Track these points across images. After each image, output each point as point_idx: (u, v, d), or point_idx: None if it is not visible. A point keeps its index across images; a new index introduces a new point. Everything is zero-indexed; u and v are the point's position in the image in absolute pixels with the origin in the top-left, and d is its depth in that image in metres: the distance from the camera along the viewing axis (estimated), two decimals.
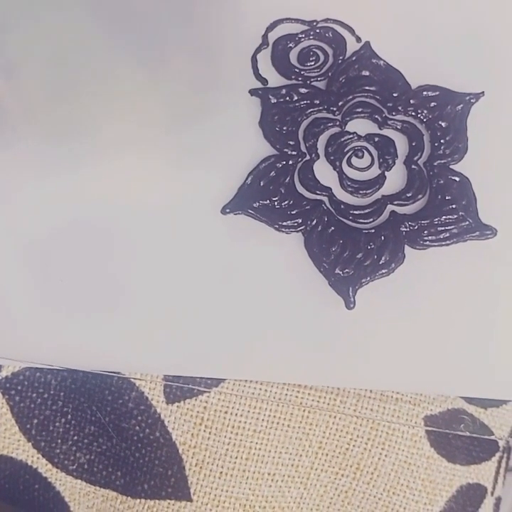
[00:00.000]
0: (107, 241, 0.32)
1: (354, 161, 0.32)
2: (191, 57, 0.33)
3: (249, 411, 0.31)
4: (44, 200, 0.32)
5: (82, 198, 0.32)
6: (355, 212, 0.31)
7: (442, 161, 0.32)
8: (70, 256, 0.31)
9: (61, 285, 0.31)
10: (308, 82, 0.33)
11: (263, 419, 0.31)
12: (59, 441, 0.32)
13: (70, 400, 0.32)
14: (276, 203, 0.31)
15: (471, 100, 0.32)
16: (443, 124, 0.32)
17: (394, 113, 0.32)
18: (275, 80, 0.33)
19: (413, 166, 0.32)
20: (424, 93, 0.32)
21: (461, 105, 0.32)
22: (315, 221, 0.31)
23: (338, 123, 0.32)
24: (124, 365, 0.31)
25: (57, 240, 0.32)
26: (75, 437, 0.32)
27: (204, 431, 0.31)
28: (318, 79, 0.33)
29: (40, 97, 0.33)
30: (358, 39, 0.34)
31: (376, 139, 0.32)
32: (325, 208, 0.31)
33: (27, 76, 0.33)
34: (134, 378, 0.31)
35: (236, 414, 0.31)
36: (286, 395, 0.31)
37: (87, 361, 0.31)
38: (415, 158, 0.32)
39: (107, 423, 0.32)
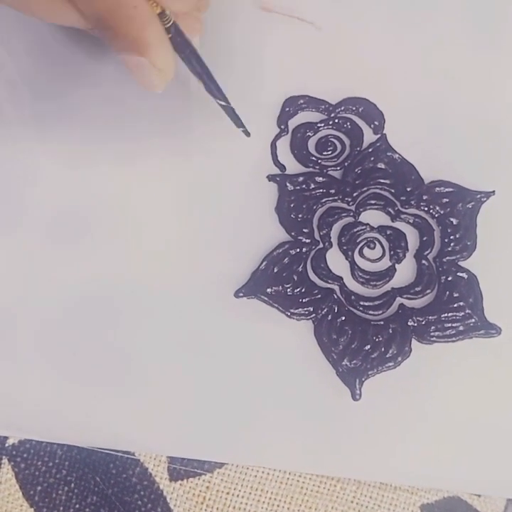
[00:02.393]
0: (119, 321, 0.31)
1: (366, 251, 0.32)
2: (211, 139, 0.33)
3: (250, 493, 0.31)
4: (56, 279, 0.32)
5: (97, 277, 0.32)
6: (365, 303, 0.31)
7: (451, 258, 0.32)
8: (80, 336, 0.31)
9: (70, 364, 0.31)
10: (324, 171, 0.33)
11: (264, 502, 0.31)
12: (61, 508, 0.32)
13: (74, 469, 0.31)
14: (288, 290, 0.31)
15: (482, 199, 0.32)
16: (454, 221, 0.32)
17: (406, 207, 0.32)
18: (293, 166, 0.33)
19: (423, 261, 0.32)
20: (437, 189, 0.32)
21: (472, 203, 0.32)
22: (325, 310, 0.31)
23: (351, 213, 0.32)
24: (129, 444, 0.30)
25: (65, 321, 0.31)
26: (77, 506, 0.32)
27: (205, 510, 0.31)
28: (335, 168, 0.33)
29: None
30: (375, 131, 0.33)
31: (388, 232, 0.32)
32: (336, 297, 0.31)
33: None
34: (139, 455, 0.31)
35: (237, 496, 0.31)
36: (288, 479, 0.31)
37: (92, 438, 0.30)
38: (425, 253, 0.32)
39: (109, 495, 0.31)
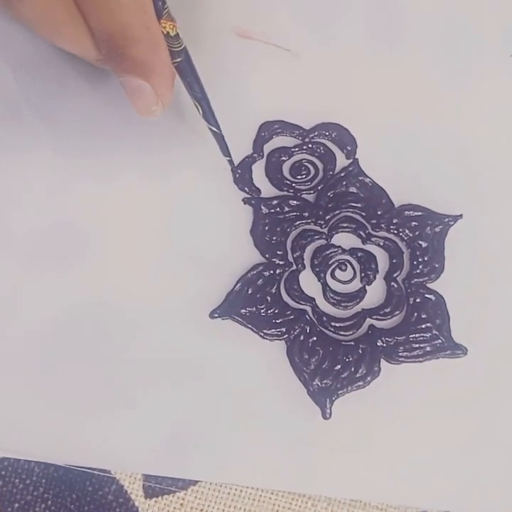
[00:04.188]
0: (95, 342, 0.31)
1: (338, 273, 0.32)
2: (188, 162, 0.34)
3: (224, 510, 0.31)
4: (32, 299, 0.32)
5: (72, 298, 0.32)
6: (336, 324, 0.31)
7: (420, 280, 0.32)
8: (58, 355, 0.31)
9: (48, 383, 0.31)
10: (298, 194, 0.33)
11: None
12: None
13: (51, 487, 0.31)
14: (262, 311, 0.31)
15: (450, 222, 0.33)
16: (422, 244, 0.32)
17: (377, 230, 0.33)
18: (268, 190, 0.33)
19: (392, 283, 0.32)
20: (406, 212, 0.33)
21: (440, 226, 0.33)
22: (298, 331, 0.31)
23: (324, 236, 0.33)
24: (105, 462, 0.30)
25: (43, 340, 0.31)
26: None
27: None
28: (308, 192, 0.33)
29: None
30: (348, 156, 0.34)
31: (359, 254, 0.32)
32: (308, 318, 0.31)
33: None
34: (115, 472, 0.31)
35: None
36: (260, 496, 0.31)
37: (69, 457, 0.30)
38: (395, 275, 0.32)
39: None
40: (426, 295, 0.32)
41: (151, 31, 0.25)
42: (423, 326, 0.31)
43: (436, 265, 0.32)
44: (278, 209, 0.33)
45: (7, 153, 0.34)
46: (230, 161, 0.33)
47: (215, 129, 0.31)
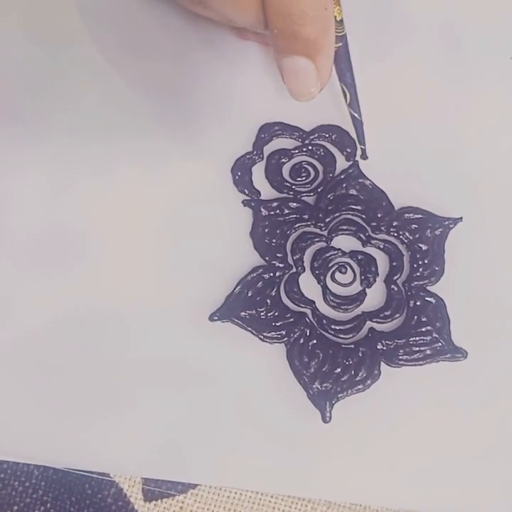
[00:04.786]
0: (93, 344, 0.31)
1: (338, 276, 0.32)
2: (187, 164, 0.33)
3: None
4: (29, 302, 0.32)
5: (71, 301, 0.32)
6: (336, 327, 0.31)
7: (420, 282, 0.32)
8: (56, 358, 0.31)
9: (47, 386, 0.30)
10: (298, 196, 0.33)
11: None
12: None
13: (50, 490, 0.31)
14: (262, 314, 0.31)
15: (450, 225, 0.33)
16: (423, 247, 0.32)
17: (377, 232, 0.32)
18: (267, 192, 0.33)
19: (392, 286, 0.32)
20: (406, 215, 0.33)
21: (441, 229, 0.32)
22: (297, 333, 0.31)
23: (324, 238, 0.32)
24: (104, 466, 0.30)
25: (44, 339, 0.31)
26: None
27: None
28: (308, 194, 0.33)
29: None
30: (348, 158, 0.34)
31: (359, 257, 0.32)
32: (308, 320, 0.31)
33: None
34: (114, 476, 0.31)
35: None
36: (260, 499, 0.31)
37: (68, 460, 0.30)
38: (395, 278, 0.32)
39: None
40: (426, 298, 0.31)
41: (328, 12, 0.25)
42: (423, 329, 0.31)
43: (437, 268, 0.32)
44: (278, 211, 0.33)
45: (4, 154, 0.33)
46: (364, 150, 0.33)
47: (357, 116, 0.32)
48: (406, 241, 0.32)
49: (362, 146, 0.33)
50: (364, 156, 0.33)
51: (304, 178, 0.33)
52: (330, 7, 0.26)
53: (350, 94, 0.31)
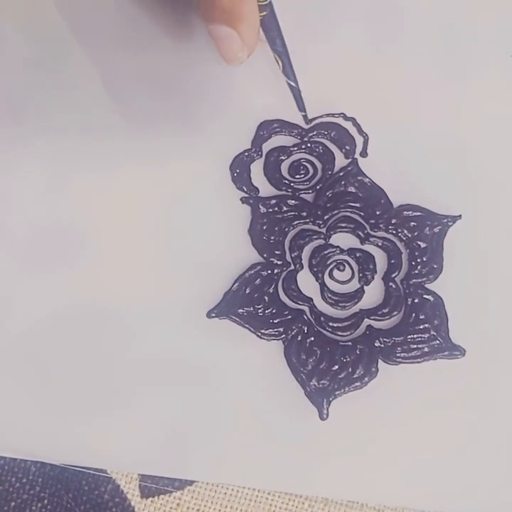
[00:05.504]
0: (91, 341, 0.31)
1: (336, 273, 0.32)
2: (186, 160, 0.33)
3: (220, 510, 0.30)
4: (27, 298, 0.32)
5: (69, 298, 0.32)
6: (333, 324, 0.31)
7: (418, 280, 0.32)
8: (53, 355, 0.31)
9: (44, 382, 0.30)
10: (297, 194, 0.33)
11: None
12: None
13: (47, 486, 0.31)
14: (259, 311, 0.31)
15: (449, 223, 0.32)
16: (421, 245, 0.32)
17: (376, 230, 0.32)
18: (266, 189, 0.33)
19: (390, 283, 0.32)
20: (405, 213, 0.33)
21: (439, 227, 0.32)
22: (295, 331, 0.31)
23: (322, 236, 0.32)
24: (101, 462, 0.30)
25: (42, 336, 0.31)
26: None
27: None
28: (307, 192, 0.33)
29: None
30: (347, 155, 0.34)
31: (357, 254, 0.32)
32: (305, 318, 0.31)
33: None
34: (111, 472, 0.31)
35: None
36: (257, 496, 0.31)
37: (65, 456, 0.30)
38: (393, 276, 0.32)
39: (82, 511, 0.31)
40: (424, 296, 0.31)
41: None
42: (421, 327, 0.31)
43: (435, 266, 0.32)
44: (276, 208, 0.33)
45: (2, 152, 0.33)
46: (305, 116, 0.33)
47: (292, 84, 0.32)
48: (404, 239, 0.32)
49: (302, 113, 0.33)
50: (306, 121, 0.33)
51: (302, 176, 0.33)
52: None
53: (283, 62, 0.31)
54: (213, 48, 0.34)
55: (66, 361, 0.31)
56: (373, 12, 0.36)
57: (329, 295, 0.31)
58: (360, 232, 0.32)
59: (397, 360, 0.30)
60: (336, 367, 0.30)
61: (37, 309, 0.31)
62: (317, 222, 0.32)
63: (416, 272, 0.32)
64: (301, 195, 0.33)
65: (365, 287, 0.32)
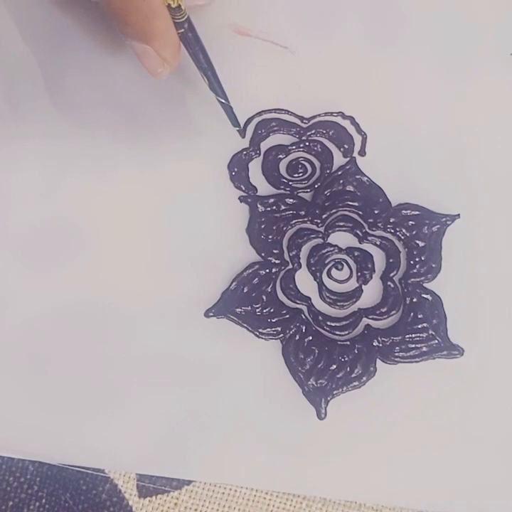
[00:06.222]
0: (89, 340, 0.31)
1: (334, 272, 0.32)
2: (183, 160, 0.33)
3: (218, 510, 0.30)
4: (26, 297, 0.31)
5: (67, 297, 0.31)
6: (332, 323, 0.31)
7: (417, 279, 0.31)
8: (51, 354, 0.31)
9: (42, 382, 0.30)
10: (295, 192, 0.33)
11: None
12: None
13: (45, 485, 0.31)
14: (257, 310, 0.31)
15: (447, 222, 0.32)
16: (420, 243, 0.32)
17: (374, 229, 0.32)
18: (264, 188, 0.33)
19: (389, 282, 0.32)
20: (403, 212, 0.32)
21: (438, 226, 0.32)
22: (293, 330, 0.31)
23: (320, 235, 0.32)
24: (99, 461, 0.30)
25: (40, 334, 0.31)
26: None
27: None
28: (305, 190, 0.33)
29: None
30: (345, 154, 0.33)
31: (356, 253, 0.32)
32: (304, 317, 0.31)
33: None
34: (109, 472, 0.30)
35: None
36: (255, 496, 0.30)
37: (63, 455, 0.30)
38: (391, 275, 0.32)
39: (80, 511, 0.31)
40: (423, 295, 0.31)
41: (147, 2, 0.27)
42: (419, 326, 0.31)
43: (434, 265, 0.32)
44: (274, 207, 0.32)
45: (1, 150, 0.33)
46: (240, 131, 0.33)
47: (222, 100, 0.31)
48: (403, 238, 0.32)
49: (237, 128, 0.33)
50: (242, 134, 0.33)
51: (300, 175, 0.33)
52: None
53: (208, 79, 0.31)
54: (211, 47, 0.34)
55: (64, 360, 0.31)
56: (373, 11, 0.36)
57: (327, 294, 0.31)
58: (358, 231, 0.32)
59: (396, 359, 0.30)
60: (334, 366, 0.30)
61: (34, 308, 0.31)
62: (315, 221, 0.32)
63: (414, 271, 0.32)
64: (300, 194, 0.33)
65: (363, 286, 0.32)
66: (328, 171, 0.33)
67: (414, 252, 0.32)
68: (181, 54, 0.30)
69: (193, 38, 0.30)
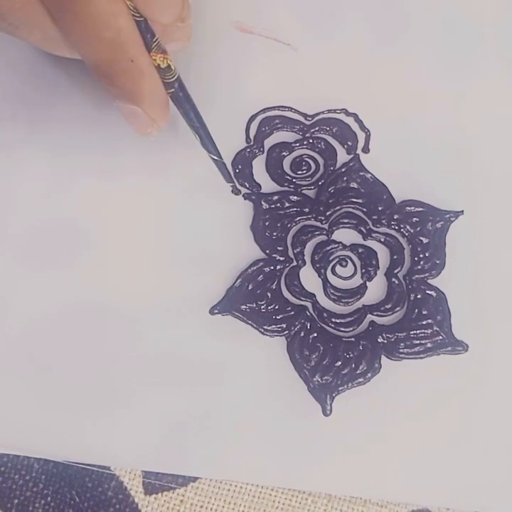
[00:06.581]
0: (94, 338, 0.31)
1: (338, 269, 0.32)
2: (188, 159, 0.33)
3: (224, 507, 0.30)
4: (30, 296, 0.31)
5: (72, 296, 0.31)
6: (336, 320, 0.31)
7: (421, 276, 0.32)
8: (56, 352, 0.31)
9: (47, 379, 0.30)
10: (299, 190, 0.33)
11: None
12: None
13: (50, 483, 0.31)
14: (262, 307, 0.31)
15: (451, 218, 0.32)
16: (424, 240, 0.32)
17: (378, 225, 0.32)
18: (268, 185, 0.33)
19: (393, 279, 0.32)
20: (407, 208, 0.32)
21: (442, 222, 0.32)
22: (298, 327, 0.31)
23: (325, 232, 0.32)
24: (105, 459, 0.30)
25: (45, 333, 0.31)
26: None
27: None
28: (309, 187, 0.33)
29: None
30: (349, 151, 0.34)
31: (360, 250, 0.32)
32: (308, 314, 0.31)
33: None
34: (115, 469, 0.30)
35: (211, 509, 0.30)
36: (260, 492, 0.31)
37: (69, 453, 0.30)
38: (395, 271, 0.32)
39: (85, 509, 0.31)
40: (427, 291, 0.31)
41: (135, 64, 0.26)
42: (424, 323, 0.31)
43: (438, 261, 0.32)
44: (278, 204, 0.32)
45: (5, 151, 0.33)
46: (234, 186, 0.32)
47: (215, 157, 0.31)
48: (407, 234, 0.32)
49: (230, 184, 0.32)
50: (235, 191, 0.32)
51: (304, 172, 0.33)
52: (138, 58, 0.26)
53: (200, 137, 0.30)
54: (214, 44, 0.34)
55: (68, 358, 0.31)
56: (376, 8, 0.36)
57: (332, 291, 0.31)
58: (362, 228, 0.32)
59: (400, 355, 0.30)
60: (339, 363, 0.30)
61: (39, 307, 0.31)
62: (319, 218, 0.32)
63: (418, 267, 0.32)
64: (304, 191, 0.33)
65: (367, 283, 0.32)
66: (331, 168, 0.33)
67: (419, 249, 0.32)
68: None
69: (183, 97, 0.29)
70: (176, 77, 0.28)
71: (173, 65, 0.27)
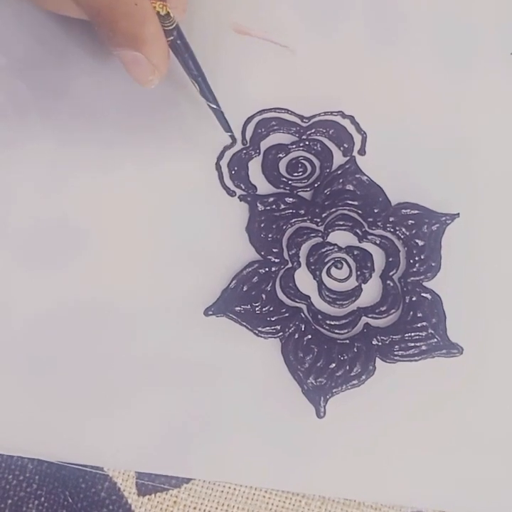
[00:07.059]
0: (88, 339, 0.31)
1: (333, 271, 0.32)
2: (183, 159, 0.33)
3: (217, 508, 0.30)
4: (26, 297, 0.31)
5: (67, 296, 0.32)
6: (331, 322, 0.31)
7: (416, 278, 0.32)
8: (50, 353, 0.31)
9: (41, 380, 0.30)
10: (294, 191, 0.33)
11: None
12: None
13: (44, 483, 0.31)
14: (257, 309, 0.31)
15: (447, 221, 0.32)
16: (419, 243, 0.32)
17: (373, 228, 0.32)
18: (264, 187, 0.33)
19: (388, 281, 0.32)
20: (403, 211, 0.32)
21: (437, 225, 0.32)
22: (292, 328, 0.31)
23: (320, 234, 0.32)
24: (98, 459, 0.30)
25: (35, 338, 0.31)
26: None
27: None
28: (305, 189, 0.33)
29: None
30: (345, 153, 0.34)
31: (355, 252, 0.32)
32: (303, 316, 0.31)
33: None
34: (108, 470, 0.30)
35: (204, 511, 0.30)
36: (254, 494, 0.30)
37: (62, 453, 0.30)
38: (391, 274, 0.32)
39: (78, 509, 0.31)
40: (422, 294, 0.31)
41: (139, 7, 0.26)
42: (419, 325, 0.31)
43: (433, 264, 0.32)
44: (274, 206, 0.32)
45: (4, 149, 0.33)
46: (232, 136, 0.33)
47: (214, 106, 0.31)
48: (402, 237, 0.32)
49: (228, 133, 0.33)
50: (233, 143, 0.33)
51: (300, 174, 0.33)
52: (141, 2, 0.26)
53: (199, 85, 0.31)
54: (211, 46, 0.35)
55: (63, 359, 0.31)
56: (373, 10, 0.36)
57: (327, 293, 0.31)
58: (358, 230, 0.32)
59: (395, 358, 0.30)
60: (334, 365, 0.30)
61: (35, 307, 0.31)
62: (315, 220, 0.32)
63: (414, 270, 0.32)
64: (299, 193, 0.33)
65: (362, 285, 0.32)
66: (327, 170, 0.33)
67: (414, 251, 0.32)
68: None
69: (182, 45, 0.29)
70: (174, 25, 0.28)
71: (172, 13, 0.28)
